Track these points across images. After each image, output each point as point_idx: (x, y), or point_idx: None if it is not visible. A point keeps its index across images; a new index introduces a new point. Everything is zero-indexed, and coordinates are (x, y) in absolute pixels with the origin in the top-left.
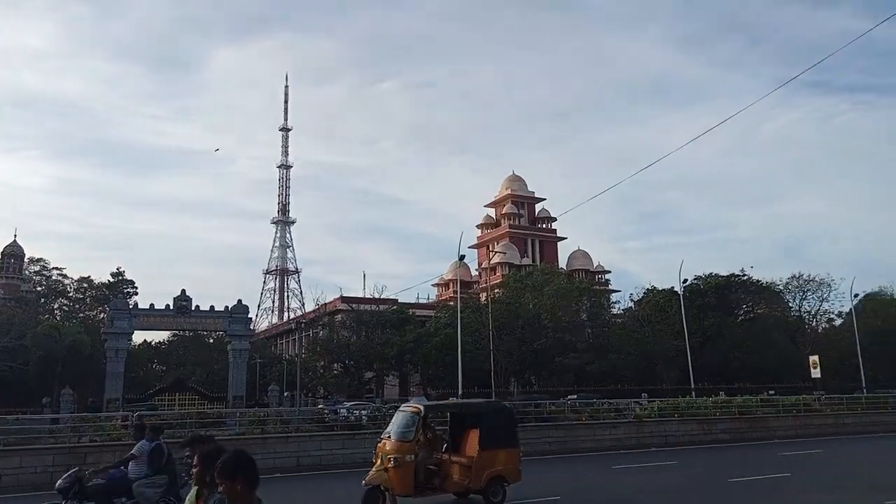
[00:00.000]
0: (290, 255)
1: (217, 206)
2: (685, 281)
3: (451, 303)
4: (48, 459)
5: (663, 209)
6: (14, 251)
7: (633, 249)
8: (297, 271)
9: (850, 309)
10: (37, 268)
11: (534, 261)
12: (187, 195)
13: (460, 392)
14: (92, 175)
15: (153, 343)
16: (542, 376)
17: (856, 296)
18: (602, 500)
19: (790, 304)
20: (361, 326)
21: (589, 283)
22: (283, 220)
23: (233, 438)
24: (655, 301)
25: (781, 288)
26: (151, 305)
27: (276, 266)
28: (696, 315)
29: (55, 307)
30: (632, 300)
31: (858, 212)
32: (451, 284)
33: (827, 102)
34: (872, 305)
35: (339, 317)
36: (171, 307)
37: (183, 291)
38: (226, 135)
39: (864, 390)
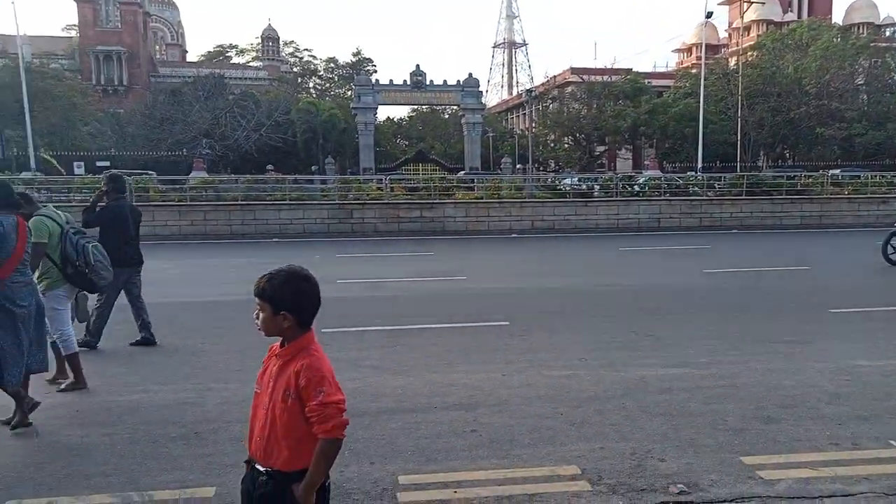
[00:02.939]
0: (516, 26)
1: None
2: None
3: (694, 70)
4: (323, 213)
5: None
6: (270, 34)
7: None
8: (524, 44)
9: None
10: (290, 50)
11: (799, 16)
12: None
13: (699, 166)
14: None
15: (395, 119)
16: (797, 150)
17: None
18: (858, 270)
19: None
20: (592, 98)
21: (870, 38)
22: None
23: (473, 201)
24: None
25: None
26: (391, 81)
27: (504, 39)
28: None
29: (310, 85)
30: None
31: None
32: (693, 49)
33: None
34: None
35: (569, 89)
36: (408, 82)
37: (417, 66)
38: None
39: None
